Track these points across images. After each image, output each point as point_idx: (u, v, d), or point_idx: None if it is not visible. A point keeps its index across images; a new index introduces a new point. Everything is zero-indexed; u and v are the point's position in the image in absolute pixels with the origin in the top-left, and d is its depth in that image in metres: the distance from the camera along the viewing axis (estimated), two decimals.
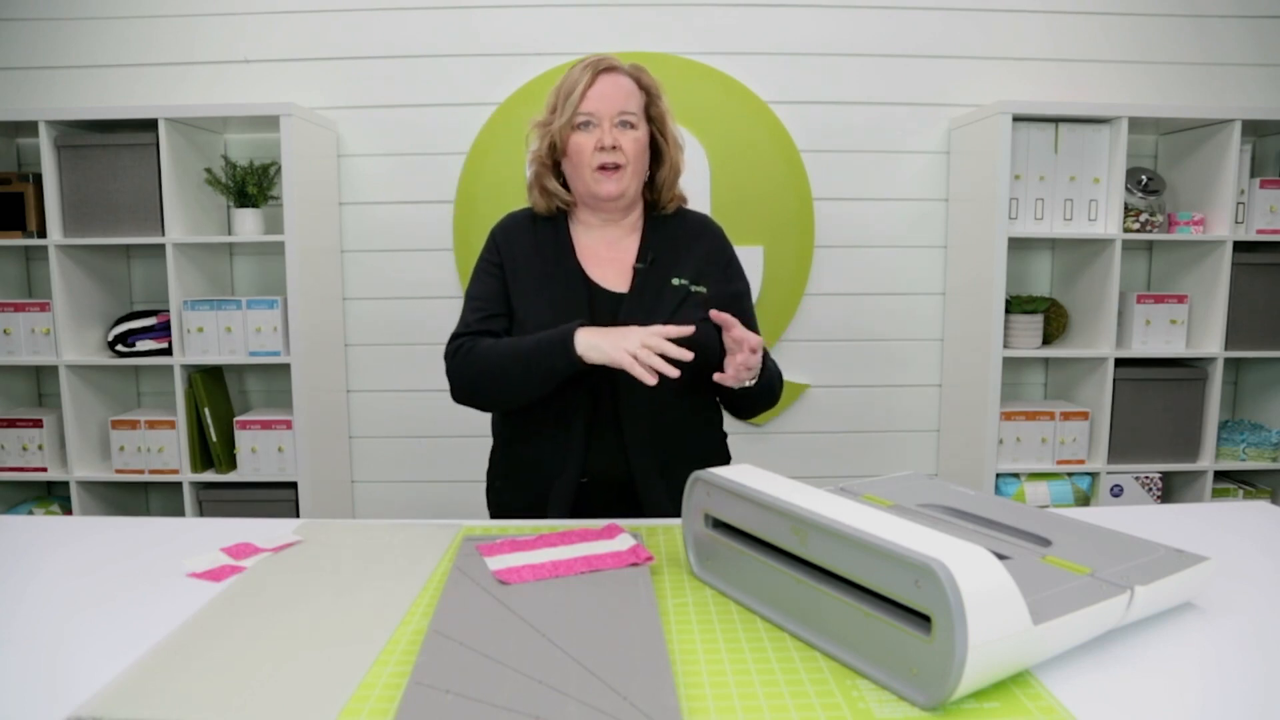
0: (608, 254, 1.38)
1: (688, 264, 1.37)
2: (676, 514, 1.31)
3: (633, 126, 1.32)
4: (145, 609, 0.94)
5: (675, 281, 1.35)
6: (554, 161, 1.38)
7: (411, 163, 2.53)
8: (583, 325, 1.22)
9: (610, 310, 1.33)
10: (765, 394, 1.36)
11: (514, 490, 1.40)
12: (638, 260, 1.36)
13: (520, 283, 1.36)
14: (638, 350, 1.14)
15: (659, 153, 1.39)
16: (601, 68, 1.32)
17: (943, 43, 2.52)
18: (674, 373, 1.15)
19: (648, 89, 1.36)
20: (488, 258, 1.40)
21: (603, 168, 1.31)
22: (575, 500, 1.32)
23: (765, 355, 1.34)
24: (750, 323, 1.43)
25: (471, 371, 1.29)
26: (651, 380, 1.15)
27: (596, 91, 1.30)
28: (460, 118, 2.51)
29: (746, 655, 0.82)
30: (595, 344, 1.18)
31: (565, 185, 1.40)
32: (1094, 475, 2.42)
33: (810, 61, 2.52)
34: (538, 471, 1.34)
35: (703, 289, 1.36)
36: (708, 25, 2.49)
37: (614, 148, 1.30)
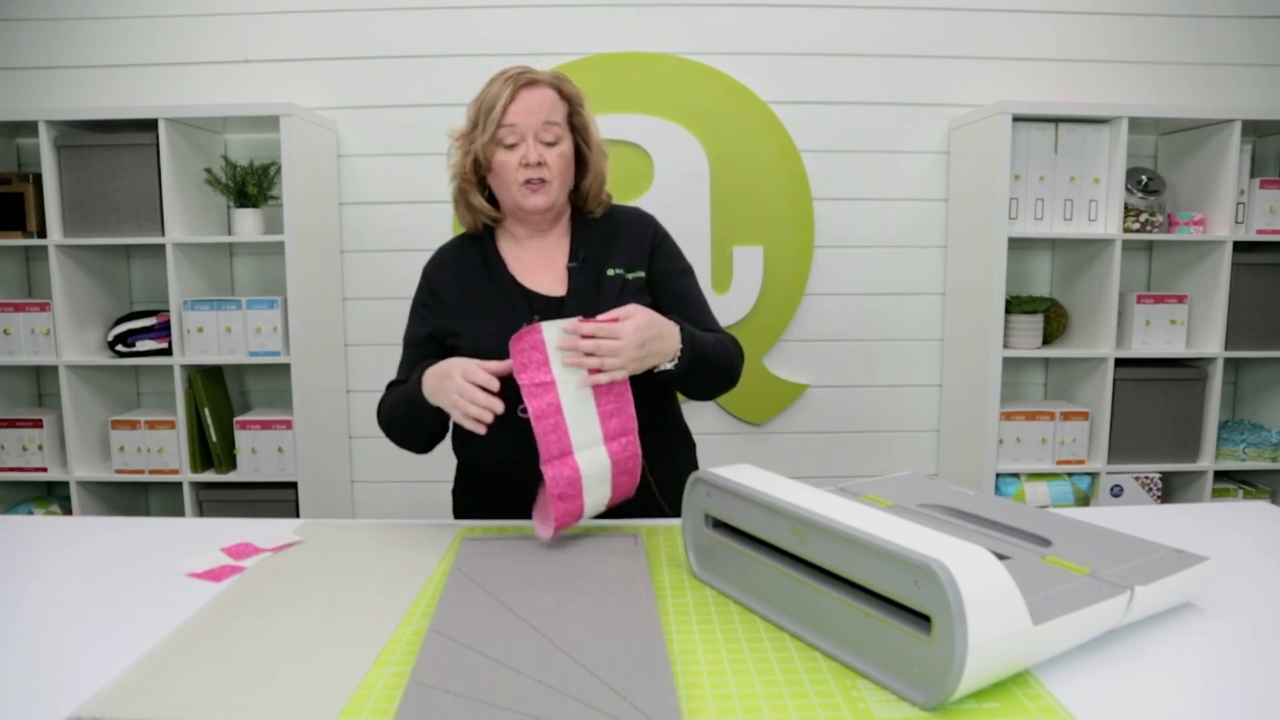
0: (539, 260, 1.38)
1: (619, 253, 1.36)
2: (645, 501, 1.30)
3: (556, 140, 1.31)
4: (145, 609, 0.94)
5: (610, 273, 1.34)
6: (479, 178, 1.37)
7: (411, 163, 2.53)
8: (428, 370, 1.21)
9: (554, 315, 1.31)
10: (701, 374, 1.25)
11: (482, 501, 1.39)
12: (570, 260, 1.35)
13: (457, 310, 1.35)
14: (456, 400, 1.13)
15: (584, 162, 1.38)
16: (522, 82, 1.29)
17: (943, 43, 2.52)
18: (499, 407, 1.12)
19: (569, 98, 1.34)
20: (418, 298, 1.41)
21: (528, 183, 1.30)
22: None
23: (693, 340, 1.23)
24: (690, 300, 1.38)
25: (384, 428, 1.35)
26: (480, 430, 1.12)
27: (518, 106, 1.28)
28: (460, 118, 2.48)
29: (746, 655, 0.82)
30: (432, 390, 1.20)
31: (491, 199, 1.39)
32: (1094, 475, 2.42)
33: (810, 61, 2.52)
34: (499, 481, 1.33)
35: (640, 274, 1.35)
36: (708, 25, 2.49)
37: (539, 163, 1.29)
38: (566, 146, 1.32)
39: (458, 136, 1.37)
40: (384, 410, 1.34)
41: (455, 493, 1.47)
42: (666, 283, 1.38)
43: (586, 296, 1.32)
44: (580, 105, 1.35)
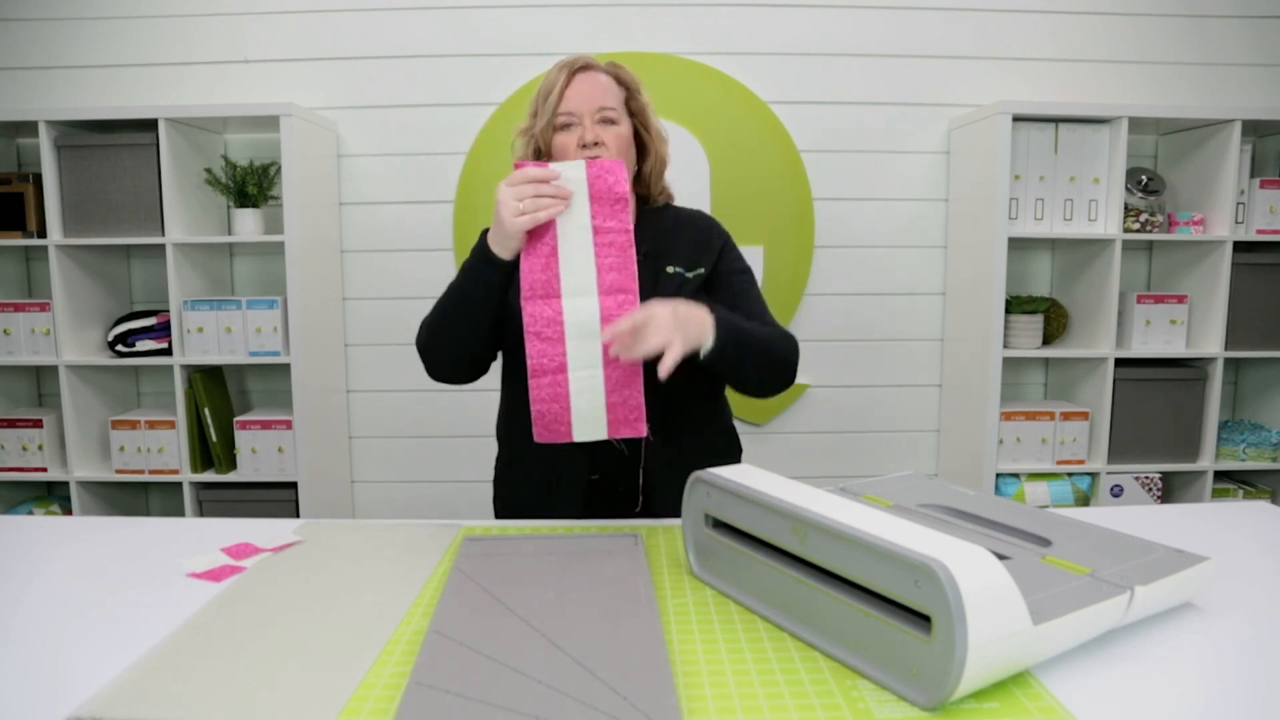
0: None
1: (680, 251, 1.36)
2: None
3: (614, 122, 1.30)
4: (145, 609, 0.94)
5: (670, 270, 1.33)
6: None
7: (411, 163, 2.53)
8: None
9: None
10: (747, 354, 1.21)
11: (524, 490, 1.39)
12: None
13: (513, 285, 1.35)
14: (516, 218, 1.10)
15: (644, 147, 1.38)
16: (577, 67, 1.31)
17: (943, 43, 2.52)
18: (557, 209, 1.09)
19: (626, 84, 1.35)
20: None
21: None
22: (586, 498, 1.32)
23: (729, 324, 1.19)
24: (750, 299, 1.38)
25: (427, 330, 1.31)
26: (558, 209, 1.08)
27: (574, 91, 1.29)
28: (460, 118, 2.51)
29: (746, 655, 0.82)
30: (494, 232, 1.16)
31: None
32: (1094, 475, 2.42)
33: (810, 61, 2.52)
34: (548, 469, 1.33)
35: (701, 271, 1.35)
36: (708, 25, 2.49)
37: (596, 143, 1.29)
38: (625, 128, 1.32)
39: (520, 131, 1.37)
40: (431, 313, 1.30)
41: (498, 485, 1.45)
42: (728, 280, 1.37)
43: (645, 291, 1.30)
44: (638, 91, 1.35)
